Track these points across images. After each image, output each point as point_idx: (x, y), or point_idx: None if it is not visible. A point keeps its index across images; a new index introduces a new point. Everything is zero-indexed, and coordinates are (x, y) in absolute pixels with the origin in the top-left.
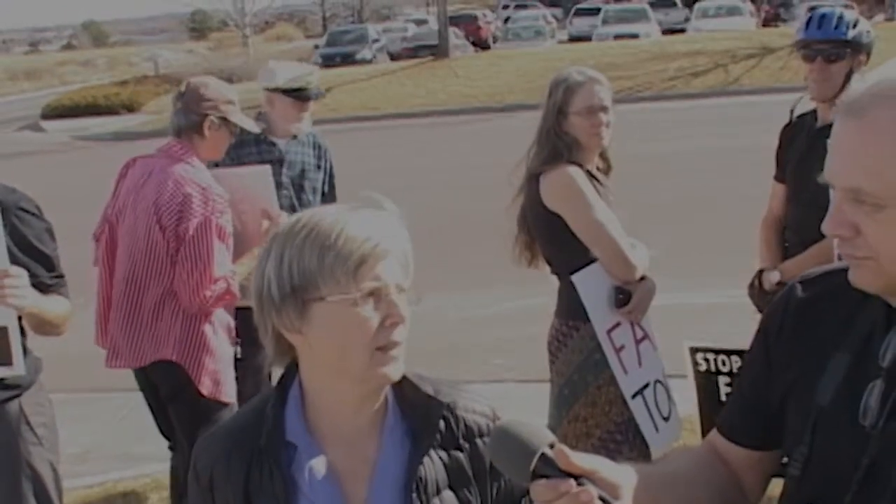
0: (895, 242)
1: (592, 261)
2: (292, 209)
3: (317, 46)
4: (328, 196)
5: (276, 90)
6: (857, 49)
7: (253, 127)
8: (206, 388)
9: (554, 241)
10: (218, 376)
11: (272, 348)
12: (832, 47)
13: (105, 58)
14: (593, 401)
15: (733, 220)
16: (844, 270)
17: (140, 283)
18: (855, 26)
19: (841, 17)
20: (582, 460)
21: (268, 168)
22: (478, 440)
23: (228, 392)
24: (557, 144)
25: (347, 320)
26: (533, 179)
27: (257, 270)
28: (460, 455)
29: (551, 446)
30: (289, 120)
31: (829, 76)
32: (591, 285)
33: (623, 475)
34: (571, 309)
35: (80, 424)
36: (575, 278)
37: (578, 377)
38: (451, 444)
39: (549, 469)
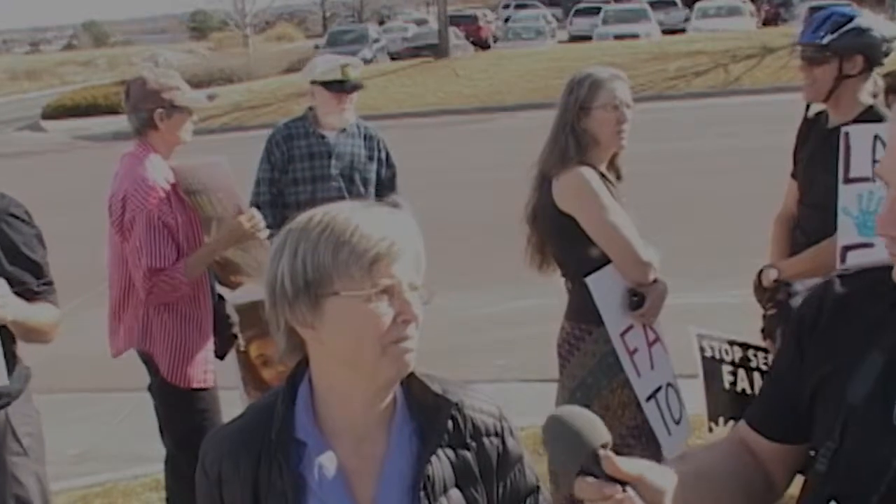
0: None
1: (605, 263)
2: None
3: (317, 46)
4: (387, 185)
5: (315, 83)
6: (840, 52)
7: (205, 102)
8: (166, 372)
9: (567, 243)
10: (180, 363)
11: (283, 344)
12: (813, 51)
13: (105, 58)
14: (606, 404)
15: (734, 220)
16: (884, 268)
17: (110, 275)
18: (837, 30)
19: (824, 21)
20: (629, 466)
21: (220, 159)
22: (485, 439)
23: (196, 378)
24: (572, 143)
25: (360, 316)
26: (545, 181)
27: (270, 266)
28: (467, 454)
29: (604, 446)
30: (328, 112)
31: (813, 79)
32: (605, 288)
33: (666, 479)
34: (584, 312)
35: (81, 425)
36: (589, 280)
37: (592, 380)
38: (458, 442)
39: (597, 469)
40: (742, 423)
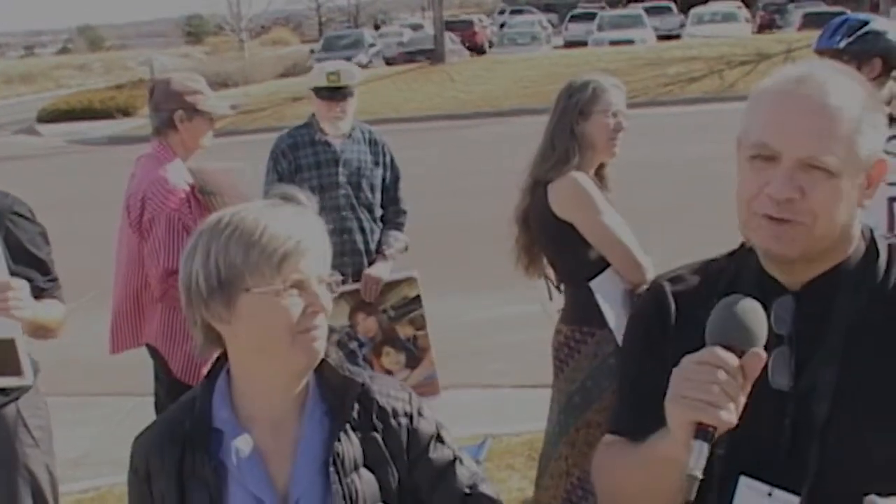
0: (834, 209)
1: (603, 267)
2: (351, 208)
3: (312, 51)
4: (391, 190)
5: (311, 90)
6: (858, 56)
7: (227, 111)
8: (179, 371)
9: (564, 248)
10: (192, 361)
11: (201, 338)
12: (829, 57)
13: (101, 62)
14: (606, 406)
15: (730, 226)
16: (703, 264)
17: (123, 274)
18: (853, 34)
19: (839, 26)
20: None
21: (242, 167)
22: (392, 420)
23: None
24: (570, 146)
25: (272, 309)
26: (540, 187)
27: (184, 266)
28: (375, 435)
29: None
30: (323, 119)
31: None
32: (608, 291)
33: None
34: (585, 315)
35: (76, 429)
36: (592, 284)
37: (592, 383)
38: (366, 424)
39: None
40: (610, 437)
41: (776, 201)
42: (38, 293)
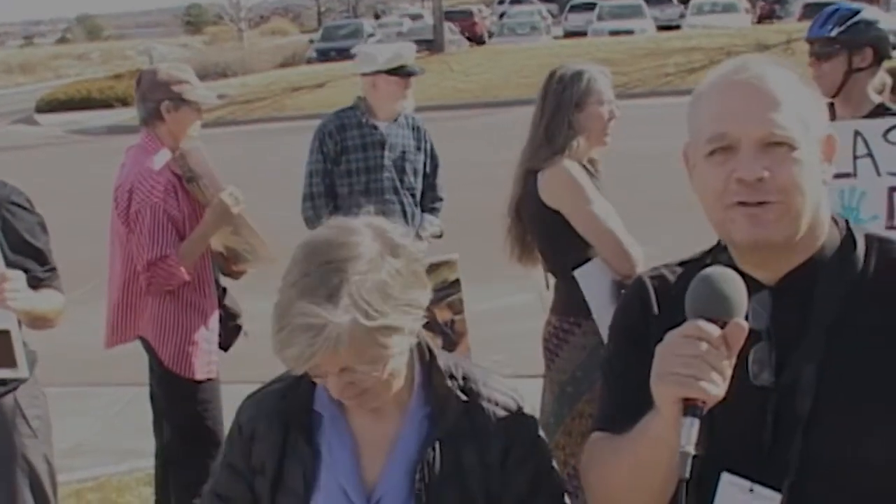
0: (803, 183)
1: (591, 257)
2: (395, 191)
3: (312, 41)
4: (431, 177)
5: (377, 73)
6: (849, 45)
7: (214, 101)
8: (170, 362)
9: (553, 237)
10: (183, 352)
11: None
12: (820, 45)
13: (99, 51)
14: (596, 397)
15: None
16: (681, 262)
17: (114, 266)
18: (845, 23)
19: (831, 15)
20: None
21: (197, 145)
22: (492, 429)
23: (200, 370)
24: (568, 137)
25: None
26: (530, 175)
27: None
28: (473, 444)
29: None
30: (395, 99)
31: (821, 73)
32: (593, 280)
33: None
34: (572, 306)
35: (74, 419)
36: (577, 273)
37: (583, 374)
38: (465, 432)
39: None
40: (598, 434)
41: (747, 184)
42: (36, 283)
